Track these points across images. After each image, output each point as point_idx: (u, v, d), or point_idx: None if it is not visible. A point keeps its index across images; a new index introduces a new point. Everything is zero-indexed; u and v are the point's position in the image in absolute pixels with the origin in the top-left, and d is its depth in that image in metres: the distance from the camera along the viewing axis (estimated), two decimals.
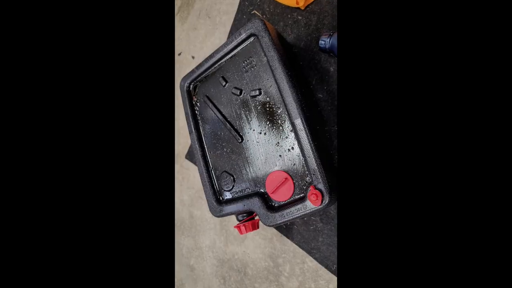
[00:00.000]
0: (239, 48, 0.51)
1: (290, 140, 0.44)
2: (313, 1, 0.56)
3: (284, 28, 0.60)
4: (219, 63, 0.53)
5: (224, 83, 0.52)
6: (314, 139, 0.42)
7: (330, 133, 0.53)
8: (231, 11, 0.71)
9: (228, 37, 0.71)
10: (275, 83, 0.46)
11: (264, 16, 0.64)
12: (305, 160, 0.41)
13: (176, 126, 0.86)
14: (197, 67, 0.56)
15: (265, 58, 0.47)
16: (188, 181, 0.82)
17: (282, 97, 0.44)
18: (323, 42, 0.50)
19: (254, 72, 0.49)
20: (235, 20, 0.70)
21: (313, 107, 0.53)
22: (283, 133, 0.45)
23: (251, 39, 0.49)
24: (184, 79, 0.59)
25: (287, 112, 0.43)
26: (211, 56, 0.53)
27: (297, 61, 0.57)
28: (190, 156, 0.82)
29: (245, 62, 0.50)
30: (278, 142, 0.45)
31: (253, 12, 0.66)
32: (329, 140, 0.53)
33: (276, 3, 0.62)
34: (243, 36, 0.49)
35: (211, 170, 0.54)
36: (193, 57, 0.81)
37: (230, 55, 0.52)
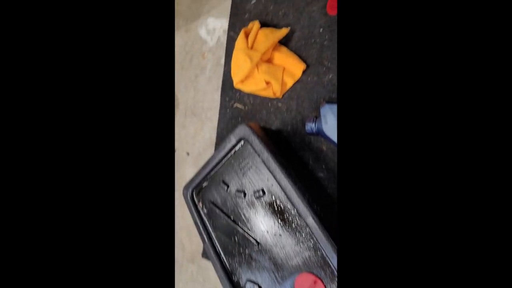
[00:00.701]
0: (232, 153, 0.52)
1: (308, 237, 0.43)
2: (289, 89, 0.60)
3: (268, 116, 0.63)
4: (215, 169, 0.54)
5: (226, 187, 0.53)
6: (331, 233, 0.41)
7: None
8: (214, 107, 0.76)
9: (217, 133, 0.74)
10: (276, 183, 0.46)
11: (246, 107, 0.67)
12: (329, 259, 0.40)
13: (184, 224, 0.85)
14: (196, 175, 0.57)
15: (259, 159, 0.48)
16: (210, 281, 0.77)
17: (287, 196, 0.44)
18: (309, 128, 0.52)
19: (252, 173, 0.50)
20: (220, 114, 0.74)
21: (319, 190, 0.53)
22: (299, 232, 0.44)
23: (241, 143, 0.51)
24: (186, 187, 0.59)
25: (297, 211, 0.43)
26: (207, 164, 0.55)
27: (289, 145, 0.59)
28: (206, 254, 0.79)
29: (241, 164, 0.51)
30: (297, 242, 0.44)
31: (235, 105, 0.70)
32: None
33: (255, 95, 0.66)
34: (233, 141, 0.51)
35: (234, 280, 0.51)
36: (187, 154, 0.83)
37: (224, 160, 0.53)
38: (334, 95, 0.54)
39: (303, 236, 0.43)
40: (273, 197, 0.47)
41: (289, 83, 0.59)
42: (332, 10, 0.48)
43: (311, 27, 0.57)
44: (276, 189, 0.47)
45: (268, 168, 0.47)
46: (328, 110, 0.49)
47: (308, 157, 0.57)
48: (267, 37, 0.59)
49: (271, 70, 0.59)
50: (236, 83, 0.63)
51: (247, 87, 0.63)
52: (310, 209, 0.42)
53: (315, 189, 0.53)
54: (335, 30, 0.54)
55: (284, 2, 0.61)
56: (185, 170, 0.83)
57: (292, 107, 0.60)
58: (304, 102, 0.58)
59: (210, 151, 0.76)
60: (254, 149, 0.49)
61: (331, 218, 0.51)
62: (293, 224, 0.44)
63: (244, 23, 0.68)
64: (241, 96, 0.69)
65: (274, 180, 0.46)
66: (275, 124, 0.62)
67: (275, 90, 0.60)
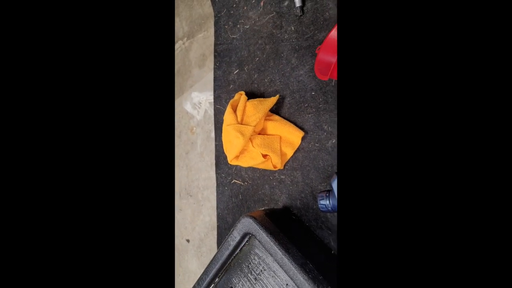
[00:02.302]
0: (238, 251, 0.43)
1: None
2: (290, 159, 0.54)
3: (272, 191, 0.56)
4: (220, 274, 0.45)
5: None
6: None
7: None
8: (210, 185, 0.68)
9: (217, 214, 0.65)
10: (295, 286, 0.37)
11: (246, 183, 0.60)
12: None
13: None
14: (198, 283, 0.47)
15: (272, 258, 0.39)
16: None
17: None
18: (323, 206, 0.44)
19: (266, 276, 0.40)
20: (217, 193, 0.66)
21: None
22: None
23: (247, 238, 0.43)
24: None
25: None
26: (209, 268, 0.45)
27: (303, 225, 0.50)
28: None
29: (251, 266, 0.42)
30: None
31: (233, 181, 0.63)
32: None
33: (253, 168, 0.59)
34: (238, 238, 0.43)
35: None
36: (188, 241, 0.73)
37: (230, 261, 0.44)
38: None
39: None
40: None
41: (289, 153, 0.53)
42: (322, 75, 0.44)
43: (302, 92, 0.53)
44: None
45: (286, 272, 0.37)
46: None
47: (329, 237, 0.48)
48: (256, 108, 0.54)
49: (266, 142, 0.53)
50: (231, 160, 0.57)
51: (244, 163, 0.57)
52: None
53: None
54: (328, 91, 0.50)
55: (268, 69, 0.58)
56: (187, 262, 0.72)
57: (298, 179, 0.53)
58: (310, 172, 0.51)
59: (212, 236, 0.67)
60: (264, 246, 0.40)
61: None
62: None
63: (230, 94, 0.65)
64: (238, 170, 0.62)
65: (293, 284, 0.37)
66: (281, 200, 0.55)
67: (275, 162, 0.53)
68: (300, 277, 0.36)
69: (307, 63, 0.53)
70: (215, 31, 0.70)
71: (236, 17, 0.65)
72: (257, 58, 0.60)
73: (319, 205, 0.45)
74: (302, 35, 0.54)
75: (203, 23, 0.74)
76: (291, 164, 0.54)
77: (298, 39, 0.54)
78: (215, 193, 0.67)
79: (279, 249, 0.38)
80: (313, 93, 0.52)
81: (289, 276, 0.37)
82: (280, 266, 0.38)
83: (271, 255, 0.39)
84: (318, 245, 0.48)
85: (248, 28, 0.63)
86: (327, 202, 0.44)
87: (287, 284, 0.38)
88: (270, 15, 0.59)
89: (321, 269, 0.39)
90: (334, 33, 0.44)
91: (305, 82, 0.53)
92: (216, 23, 0.70)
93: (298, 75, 0.54)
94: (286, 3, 0.56)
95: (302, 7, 0.53)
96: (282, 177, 0.55)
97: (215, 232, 0.67)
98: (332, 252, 0.47)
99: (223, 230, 0.64)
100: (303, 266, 0.37)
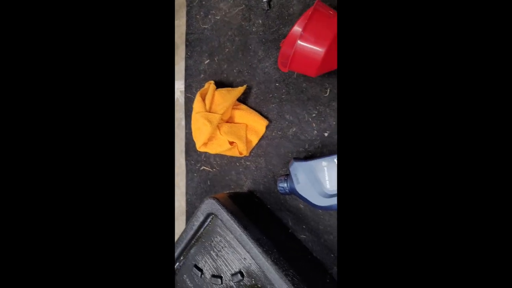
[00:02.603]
0: (201, 231, 0.46)
1: None
2: (255, 146, 0.57)
3: (238, 176, 0.59)
4: (185, 252, 0.48)
5: (199, 274, 0.46)
6: None
7: (332, 277, 0.46)
8: (180, 172, 0.70)
9: (186, 200, 0.68)
10: (254, 262, 0.40)
11: (214, 169, 0.63)
12: None
13: None
14: None
15: (232, 236, 0.43)
16: None
17: (268, 278, 0.38)
18: (282, 188, 0.48)
19: (227, 252, 0.43)
20: (187, 179, 0.68)
21: (303, 257, 0.48)
22: None
23: (210, 218, 0.45)
24: None
25: None
26: (175, 247, 0.48)
27: (264, 208, 0.54)
28: None
29: (213, 243, 0.45)
30: None
31: (202, 168, 0.65)
32: (334, 286, 0.46)
33: (221, 155, 0.62)
34: (201, 218, 0.45)
35: None
36: None
37: (194, 240, 0.47)
38: (301, 149, 0.51)
39: None
40: (253, 279, 0.41)
41: (254, 140, 0.56)
42: (283, 67, 0.47)
43: (267, 83, 0.56)
44: (255, 269, 0.41)
45: (244, 247, 0.41)
46: (298, 167, 0.45)
47: (287, 218, 0.52)
48: (224, 98, 0.57)
49: (233, 130, 0.56)
50: (199, 147, 0.59)
51: (212, 149, 0.59)
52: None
53: (300, 257, 0.47)
54: (290, 83, 0.53)
55: (237, 61, 0.61)
56: None
57: (262, 165, 0.56)
58: (272, 158, 0.55)
59: (182, 221, 0.69)
60: (225, 225, 0.43)
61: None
62: None
63: (201, 84, 0.67)
64: (207, 157, 0.64)
65: (252, 260, 0.40)
66: (246, 185, 0.58)
67: (241, 149, 0.56)
68: (256, 250, 0.39)
69: (273, 55, 0.56)
70: (187, 21, 0.71)
71: (208, 7, 0.66)
72: (227, 49, 0.62)
73: (278, 188, 0.48)
74: (269, 28, 0.57)
75: (175, 12, 0.75)
76: (255, 151, 0.57)
77: (265, 33, 0.57)
78: (185, 180, 0.69)
79: (238, 227, 0.42)
80: (277, 84, 0.55)
81: (246, 250, 0.41)
82: (239, 242, 0.41)
83: (231, 232, 0.42)
84: (279, 226, 0.52)
85: (219, 19, 0.64)
86: (285, 185, 0.48)
87: (244, 258, 0.42)
88: (240, 8, 0.61)
89: (280, 247, 0.43)
90: (295, 28, 0.48)
91: (270, 73, 0.56)
92: (188, 13, 0.70)
93: (264, 67, 0.57)
94: None
95: (269, 2, 0.56)
96: (247, 163, 0.58)
97: (184, 217, 0.69)
98: (290, 231, 0.51)
99: (191, 215, 0.67)
100: (258, 241, 0.40)
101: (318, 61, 0.42)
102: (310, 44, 0.41)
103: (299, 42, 0.41)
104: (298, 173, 0.45)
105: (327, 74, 0.48)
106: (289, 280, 0.37)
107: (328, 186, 0.43)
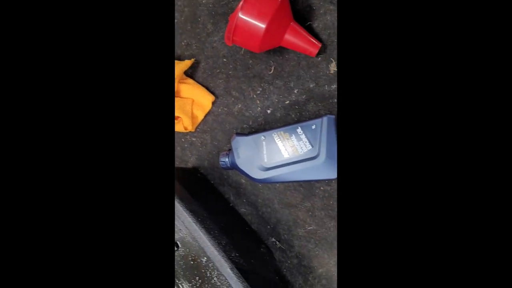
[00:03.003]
0: None
1: None
2: (201, 122, 0.56)
3: (183, 152, 0.58)
4: None
5: None
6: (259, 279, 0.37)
7: (267, 247, 0.49)
8: None
9: None
10: (189, 233, 0.41)
11: None
12: None
13: None
14: None
15: None
16: None
17: (202, 248, 0.39)
18: (223, 162, 0.49)
19: None
20: None
21: (241, 229, 0.49)
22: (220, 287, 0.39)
23: None
24: None
25: (214, 264, 0.38)
26: None
27: (207, 183, 0.54)
28: None
29: None
30: None
31: None
32: (268, 255, 0.48)
33: None
34: None
35: None
36: None
37: None
38: (245, 125, 0.52)
39: None
40: (188, 249, 0.41)
41: (200, 116, 0.56)
42: (228, 41, 0.47)
43: (215, 58, 0.55)
44: (190, 239, 0.41)
45: (178, 218, 0.41)
46: (239, 142, 0.46)
47: (229, 193, 0.53)
48: None
49: (179, 104, 0.55)
50: None
51: None
52: (227, 259, 0.37)
53: (237, 229, 0.49)
54: (237, 59, 0.53)
55: (186, 33, 0.59)
56: None
57: (207, 141, 0.56)
58: (217, 134, 0.55)
59: None
60: None
61: (260, 259, 0.47)
62: (212, 279, 0.39)
63: None
64: None
65: (187, 230, 0.41)
66: (191, 161, 0.57)
67: (186, 125, 0.55)
68: (190, 219, 0.40)
69: (221, 30, 0.55)
70: None
71: None
72: (176, 20, 0.60)
73: (220, 163, 0.49)
74: (219, 1, 0.55)
75: None
76: (201, 127, 0.56)
77: (214, 5, 0.56)
78: None
79: (177, 202, 0.41)
80: (224, 60, 0.54)
81: (181, 221, 0.41)
82: (178, 217, 0.42)
83: None
84: (220, 200, 0.53)
85: None
86: (227, 159, 0.48)
87: (180, 229, 0.42)
88: None
89: (217, 219, 0.44)
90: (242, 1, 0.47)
91: (218, 48, 0.55)
92: None
93: (212, 41, 0.56)
94: None
95: None
96: (193, 139, 0.57)
97: None
98: (231, 205, 0.52)
99: None
100: (193, 212, 0.41)
101: (260, 37, 0.42)
102: (251, 19, 0.41)
103: (239, 15, 0.41)
104: (239, 147, 0.46)
105: (272, 52, 0.49)
106: (221, 248, 0.38)
107: (265, 159, 0.44)
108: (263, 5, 0.41)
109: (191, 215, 0.40)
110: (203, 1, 0.57)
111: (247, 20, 0.42)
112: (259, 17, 0.41)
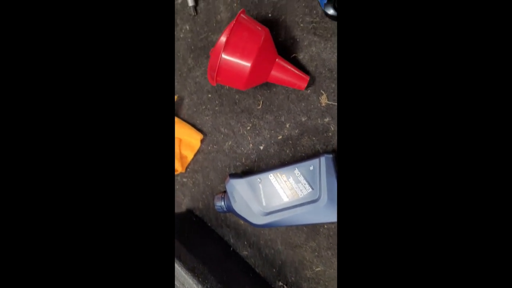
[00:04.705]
0: None
1: None
2: (191, 161, 0.54)
3: (175, 194, 0.55)
4: None
5: None
6: None
7: None
8: None
9: None
10: None
11: None
12: None
13: None
14: None
15: None
16: None
17: None
18: (219, 207, 0.46)
19: None
20: None
21: (245, 275, 0.47)
22: None
23: None
24: None
25: None
26: None
27: (204, 227, 0.51)
28: None
29: None
30: None
31: None
32: None
33: None
34: None
35: None
36: None
37: None
38: (238, 163, 0.50)
39: None
40: None
41: (189, 155, 0.53)
42: (212, 81, 0.44)
43: (199, 93, 0.53)
44: None
45: (178, 279, 0.38)
46: (233, 185, 0.44)
47: (228, 235, 0.50)
48: None
49: None
50: None
51: None
52: None
53: (241, 276, 0.46)
54: (223, 94, 0.51)
55: None
56: None
57: (199, 181, 0.53)
58: (210, 173, 0.52)
59: None
60: None
61: None
62: None
63: None
64: None
65: None
66: (184, 203, 0.55)
67: (176, 167, 0.53)
68: (190, 281, 0.37)
69: (203, 64, 0.52)
70: None
71: None
72: None
73: (215, 207, 0.46)
74: (197, 35, 0.53)
75: None
76: (192, 167, 0.54)
77: (193, 39, 0.53)
78: None
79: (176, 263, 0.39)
80: (209, 95, 0.52)
81: (180, 282, 0.38)
82: (176, 277, 0.39)
83: None
84: (219, 244, 0.50)
85: None
86: (222, 203, 0.46)
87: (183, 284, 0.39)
88: None
89: (218, 270, 0.41)
90: (222, 39, 0.45)
91: (202, 83, 0.53)
92: None
93: (195, 76, 0.53)
94: (180, 0, 0.54)
95: (195, 7, 0.52)
96: (184, 180, 0.55)
97: None
98: (231, 248, 0.50)
99: None
100: (193, 271, 0.38)
101: (245, 75, 0.40)
102: (235, 58, 0.39)
103: (223, 56, 0.39)
104: (234, 191, 0.44)
105: (259, 86, 0.47)
106: None
107: (264, 203, 0.42)
108: (247, 43, 0.39)
109: (191, 275, 0.37)
110: (181, 36, 0.54)
111: (231, 60, 0.39)
112: (243, 56, 0.39)
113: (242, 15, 0.40)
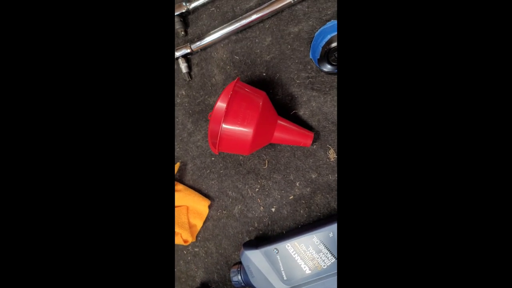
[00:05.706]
0: None
1: None
2: (201, 229, 0.51)
3: (188, 266, 0.51)
4: None
5: None
6: None
7: None
8: None
9: None
10: None
11: None
12: None
13: None
14: None
15: None
16: None
17: None
18: (236, 282, 0.42)
19: None
20: None
21: None
22: None
23: None
24: None
25: None
26: None
27: None
28: None
29: None
30: None
31: None
32: None
33: None
34: None
35: None
36: None
37: None
38: (251, 228, 0.47)
39: None
40: None
41: (198, 224, 0.50)
42: (215, 150, 0.43)
43: (202, 157, 0.51)
44: None
45: None
46: (249, 258, 0.40)
47: None
48: None
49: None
50: None
51: None
52: None
53: None
54: (226, 156, 0.49)
55: None
56: None
57: (212, 250, 0.50)
58: (222, 241, 0.49)
59: None
60: None
61: None
62: None
63: None
64: None
65: None
66: (198, 275, 0.51)
67: (185, 237, 0.49)
68: None
69: (203, 128, 0.52)
70: None
71: None
72: None
73: (232, 282, 0.43)
74: (194, 99, 0.53)
75: None
76: (203, 235, 0.51)
77: (190, 104, 0.53)
78: None
79: None
80: (212, 158, 0.50)
81: None
82: None
83: None
84: None
85: None
86: (239, 277, 0.42)
87: None
88: None
89: None
90: (219, 104, 0.44)
91: (203, 147, 0.51)
92: None
93: (195, 140, 0.52)
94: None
95: (189, 73, 0.52)
96: (196, 249, 0.51)
97: None
98: None
99: None
100: None
101: (248, 142, 0.39)
102: (236, 126, 0.38)
103: (223, 126, 0.38)
104: (250, 264, 0.40)
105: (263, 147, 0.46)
106: None
107: (285, 277, 0.38)
108: (246, 110, 0.38)
109: None
110: (178, 101, 0.54)
111: (232, 129, 0.38)
112: (244, 123, 0.38)
113: (237, 83, 0.40)
